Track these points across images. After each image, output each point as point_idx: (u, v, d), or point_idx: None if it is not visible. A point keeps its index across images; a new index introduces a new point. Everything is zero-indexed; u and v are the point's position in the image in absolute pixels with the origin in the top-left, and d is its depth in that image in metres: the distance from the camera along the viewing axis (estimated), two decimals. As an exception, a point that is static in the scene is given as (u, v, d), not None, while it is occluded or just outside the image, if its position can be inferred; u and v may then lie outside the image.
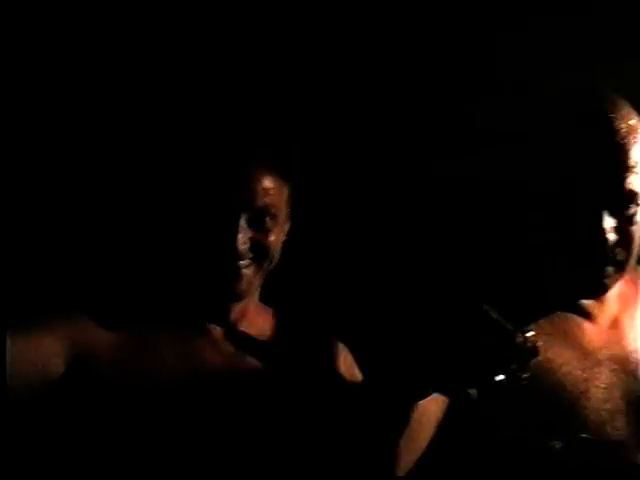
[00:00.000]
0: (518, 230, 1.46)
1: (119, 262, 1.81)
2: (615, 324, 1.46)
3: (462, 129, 2.04)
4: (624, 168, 1.33)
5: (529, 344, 1.15)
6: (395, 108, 2.18)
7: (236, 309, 1.39)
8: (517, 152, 1.45)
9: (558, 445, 1.32)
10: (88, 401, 1.26)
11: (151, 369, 1.30)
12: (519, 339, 1.15)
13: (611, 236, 1.33)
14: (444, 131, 2.09)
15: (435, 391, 1.22)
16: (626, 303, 1.48)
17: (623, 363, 1.44)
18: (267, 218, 1.33)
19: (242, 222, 1.30)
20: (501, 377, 1.15)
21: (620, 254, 1.35)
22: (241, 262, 1.32)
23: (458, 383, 1.16)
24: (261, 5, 2.26)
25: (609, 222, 1.33)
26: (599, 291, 1.39)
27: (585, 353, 1.43)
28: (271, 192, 1.33)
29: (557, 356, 1.40)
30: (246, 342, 1.40)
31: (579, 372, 1.40)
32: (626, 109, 1.37)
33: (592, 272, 1.35)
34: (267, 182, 1.32)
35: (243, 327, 1.41)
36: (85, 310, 1.31)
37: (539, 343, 1.16)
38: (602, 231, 1.33)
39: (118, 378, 1.27)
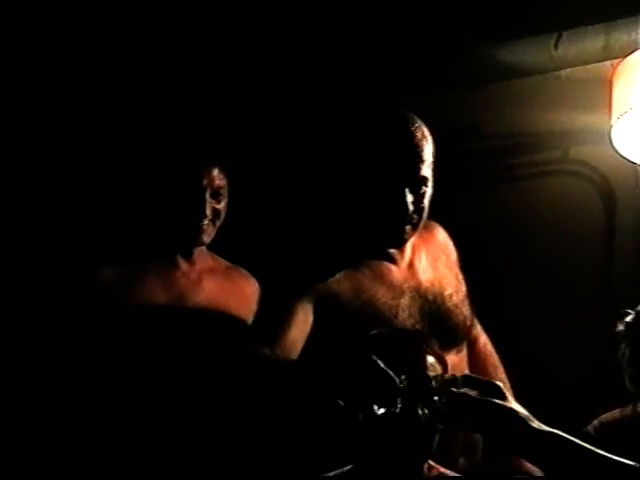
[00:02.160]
0: (345, 202, 2.09)
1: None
2: (411, 264, 2.10)
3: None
4: (419, 161, 1.96)
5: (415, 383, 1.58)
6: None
7: (198, 251, 2.34)
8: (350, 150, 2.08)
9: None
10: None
11: (143, 290, 2.27)
12: (401, 383, 1.57)
13: (410, 207, 1.96)
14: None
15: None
16: (418, 250, 2.12)
17: (419, 291, 2.07)
18: (220, 194, 2.27)
19: (207, 196, 2.24)
20: (382, 410, 1.58)
21: (414, 219, 1.99)
22: (205, 221, 2.26)
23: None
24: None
25: (409, 198, 1.96)
26: (401, 243, 2.05)
27: (393, 287, 2.05)
28: (221, 178, 2.27)
29: (374, 291, 2.02)
30: (202, 271, 2.36)
31: (390, 301, 2.02)
32: (419, 123, 2.00)
33: (397, 230, 2.00)
34: (220, 173, 2.27)
35: (199, 262, 2.36)
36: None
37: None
38: (404, 203, 1.96)
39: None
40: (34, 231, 2.81)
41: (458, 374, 1.84)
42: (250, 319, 2.31)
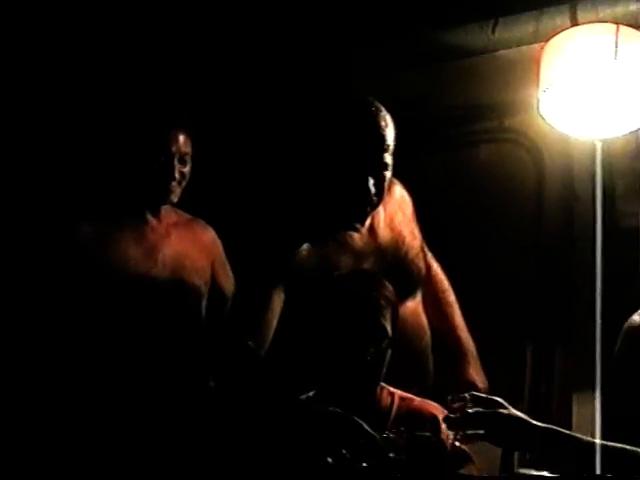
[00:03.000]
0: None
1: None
2: (371, 228, 2.30)
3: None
4: (382, 149, 2.17)
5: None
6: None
7: (165, 208, 2.65)
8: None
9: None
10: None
11: (118, 244, 2.57)
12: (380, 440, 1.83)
13: (372, 190, 2.17)
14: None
15: None
16: (377, 213, 2.31)
17: (378, 252, 2.30)
18: (186, 160, 2.58)
19: (175, 161, 2.55)
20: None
21: (375, 200, 2.21)
22: (174, 182, 2.57)
23: None
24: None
25: (371, 182, 2.16)
26: (362, 221, 2.26)
27: (355, 253, 2.27)
28: (188, 145, 2.58)
29: (338, 259, 2.23)
30: (168, 226, 2.67)
31: (353, 266, 2.22)
32: (384, 112, 2.19)
33: (358, 211, 2.25)
34: (187, 140, 2.58)
35: (166, 217, 2.66)
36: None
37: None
38: (367, 189, 2.16)
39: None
40: (14, 190, 3.00)
41: (413, 317, 2.29)
42: (209, 264, 2.66)
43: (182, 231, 2.70)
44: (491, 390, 2.60)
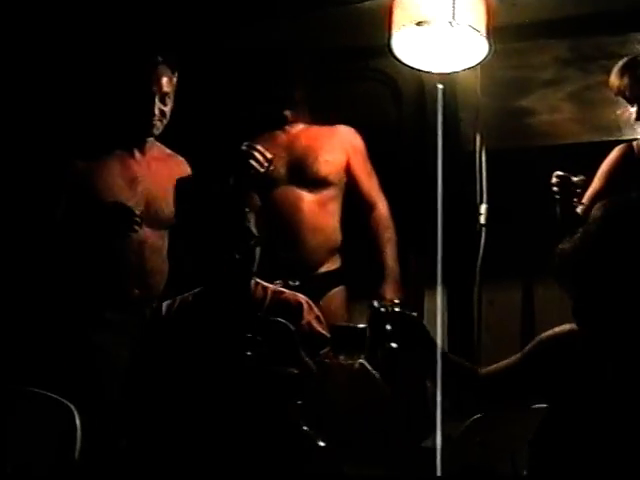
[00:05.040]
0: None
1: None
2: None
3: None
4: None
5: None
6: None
7: (149, 143, 2.97)
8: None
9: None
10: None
11: (107, 175, 2.89)
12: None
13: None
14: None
15: None
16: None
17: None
18: (167, 98, 2.89)
19: (156, 100, 2.85)
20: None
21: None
22: (155, 118, 2.87)
23: None
24: None
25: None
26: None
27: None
28: (169, 85, 2.89)
29: None
30: (150, 159, 2.98)
31: None
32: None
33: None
34: (169, 79, 2.89)
35: (149, 152, 2.96)
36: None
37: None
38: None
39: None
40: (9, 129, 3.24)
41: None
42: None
43: (160, 165, 2.99)
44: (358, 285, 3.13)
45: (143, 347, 2.40)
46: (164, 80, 2.90)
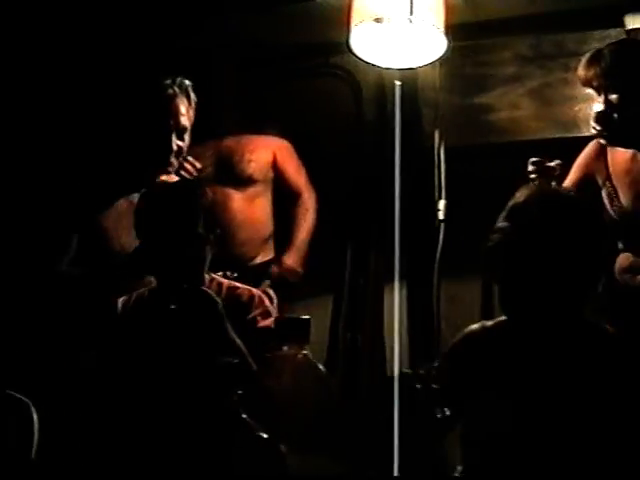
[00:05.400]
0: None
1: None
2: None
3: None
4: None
5: None
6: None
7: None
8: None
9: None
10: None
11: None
12: None
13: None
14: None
15: None
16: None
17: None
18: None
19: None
20: None
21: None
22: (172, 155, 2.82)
23: None
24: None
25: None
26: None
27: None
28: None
29: None
30: None
31: None
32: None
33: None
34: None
35: None
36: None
37: None
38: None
39: None
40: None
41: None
42: None
43: None
44: (318, 281, 3.14)
45: (101, 346, 2.39)
46: (181, 112, 2.82)
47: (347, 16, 2.87)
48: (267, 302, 2.46)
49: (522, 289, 1.78)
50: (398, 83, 2.94)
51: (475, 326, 1.93)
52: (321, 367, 1.66)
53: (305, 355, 1.64)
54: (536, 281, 1.76)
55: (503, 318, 1.88)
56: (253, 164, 3.30)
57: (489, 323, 1.92)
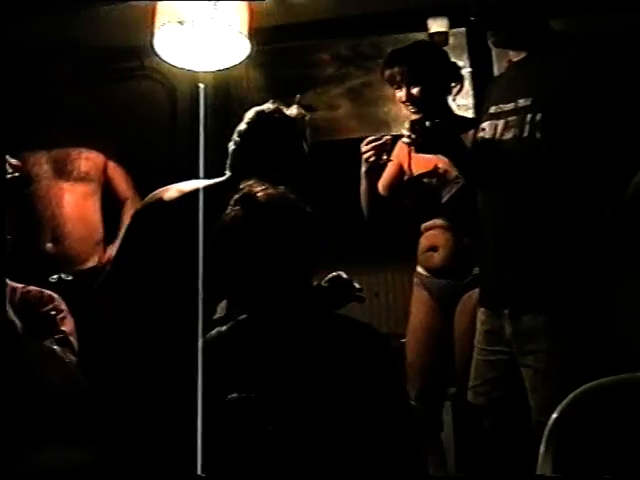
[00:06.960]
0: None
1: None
2: None
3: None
4: None
5: None
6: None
7: None
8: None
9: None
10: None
11: None
12: None
13: None
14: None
15: None
16: None
17: None
18: None
19: None
20: None
21: None
22: None
23: None
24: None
25: None
26: None
27: None
28: None
29: None
30: None
31: None
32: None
33: None
34: None
35: None
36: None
37: None
38: None
39: None
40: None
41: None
42: None
43: None
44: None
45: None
46: None
47: (151, 18, 2.92)
48: (58, 302, 2.51)
49: (248, 289, 1.81)
50: (202, 85, 2.98)
51: (212, 333, 1.90)
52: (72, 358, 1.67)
53: (49, 347, 1.66)
54: (257, 278, 1.79)
55: (236, 320, 1.90)
56: (90, 162, 3.38)
57: (223, 328, 1.91)
